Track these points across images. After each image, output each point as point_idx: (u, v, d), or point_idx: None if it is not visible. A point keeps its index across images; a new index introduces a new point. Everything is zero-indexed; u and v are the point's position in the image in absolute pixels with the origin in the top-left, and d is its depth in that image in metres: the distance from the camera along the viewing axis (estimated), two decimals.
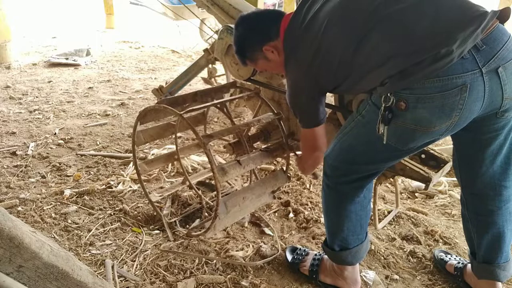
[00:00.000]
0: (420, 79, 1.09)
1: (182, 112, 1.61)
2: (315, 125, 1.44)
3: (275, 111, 1.84)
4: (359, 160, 1.35)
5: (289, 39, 1.37)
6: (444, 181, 2.38)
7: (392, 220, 2.00)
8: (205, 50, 2.78)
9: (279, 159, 2.39)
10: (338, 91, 1.40)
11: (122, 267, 1.65)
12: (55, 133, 2.89)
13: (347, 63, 1.22)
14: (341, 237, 1.47)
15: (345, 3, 1.25)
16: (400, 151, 1.26)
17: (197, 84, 4.03)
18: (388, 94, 1.14)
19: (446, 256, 1.71)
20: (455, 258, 1.68)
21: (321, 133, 1.49)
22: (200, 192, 2.17)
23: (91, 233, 1.84)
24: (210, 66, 2.98)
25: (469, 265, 1.57)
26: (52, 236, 1.81)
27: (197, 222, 1.97)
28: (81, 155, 2.58)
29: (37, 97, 3.66)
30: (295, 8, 1.44)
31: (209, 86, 3.07)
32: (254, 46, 1.48)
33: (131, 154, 2.37)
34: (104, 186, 2.21)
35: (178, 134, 2.63)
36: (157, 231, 1.89)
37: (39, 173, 2.35)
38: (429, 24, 1.10)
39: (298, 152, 1.94)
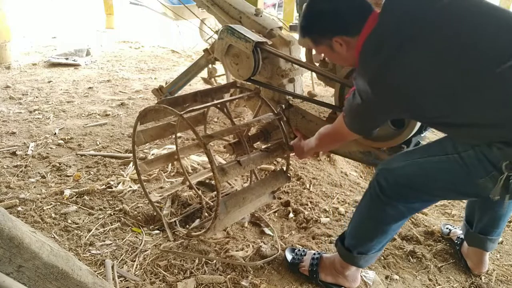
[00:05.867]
0: None
1: (182, 113, 1.61)
2: (361, 134, 1.37)
3: (275, 111, 1.84)
4: (434, 191, 1.30)
5: (368, 58, 1.20)
6: None
7: None
8: (205, 50, 2.78)
9: (279, 158, 2.39)
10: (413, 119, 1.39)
11: (122, 267, 1.65)
12: (55, 133, 2.89)
13: (437, 113, 1.16)
14: (366, 244, 1.45)
15: (451, 49, 1.09)
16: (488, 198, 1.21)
17: (197, 84, 4.03)
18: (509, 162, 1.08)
19: (452, 227, 1.89)
20: (459, 229, 1.84)
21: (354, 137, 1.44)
22: (200, 192, 2.17)
23: (91, 233, 1.84)
24: (210, 66, 2.98)
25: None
26: (52, 236, 1.81)
27: (197, 222, 1.97)
28: (81, 155, 2.58)
29: (37, 97, 3.66)
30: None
31: (209, 86, 3.06)
32: (324, 32, 1.29)
33: (131, 154, 2.36)
34: (104, 186, 2.21)
35: (178, 134, 2.63)
36: (157, 231, 1.89)
37: (39, 173, 2.35)
38: None
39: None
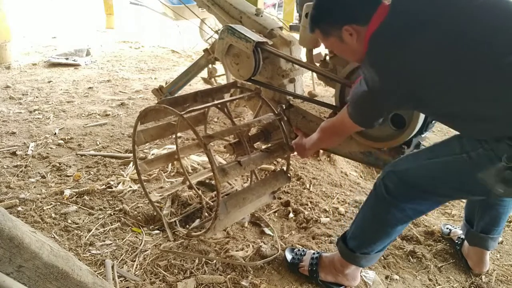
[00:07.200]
0: None
1: (183, 113, 1.60)
2: (362, 126, 1.35)
3: (276, 112, 1.84)
4: (441, 192, 1.29)
5: (379, 46, 1.19)
6: None
7: None
8: (205, 50, 2.78)
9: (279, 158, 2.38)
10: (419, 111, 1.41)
11: (122, 267, 1.65)
12: (55, 133, 2.89)
13: (449, 105, 1.14)
14: (370, 245, 1.44)
15: (460, 38, 1.08)
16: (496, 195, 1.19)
17: (197, 84, 4.03)
18: None
19: (452, 227, 1.90)
20: (459, 229, 1.84)
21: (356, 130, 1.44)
22: (200, 192, 2.17)
23: (91, 233, 1.84)
24: (210, 66, 2.98)
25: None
26: (52, 236, 1.81)
27: (197, 222, 1.97)
28: (81, 155, 2.58)
29: (37, 97, 3.66)
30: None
31: (209, 86, 3.06)
32: (335, 21, 1.28)
33: (131, 154, 2.36)
34: (104, 186, 2.21)
35: (178, 134, 2.63)
36: (157, 231, 1.89)
37: (39, 173, 2.35)
38: None
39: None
